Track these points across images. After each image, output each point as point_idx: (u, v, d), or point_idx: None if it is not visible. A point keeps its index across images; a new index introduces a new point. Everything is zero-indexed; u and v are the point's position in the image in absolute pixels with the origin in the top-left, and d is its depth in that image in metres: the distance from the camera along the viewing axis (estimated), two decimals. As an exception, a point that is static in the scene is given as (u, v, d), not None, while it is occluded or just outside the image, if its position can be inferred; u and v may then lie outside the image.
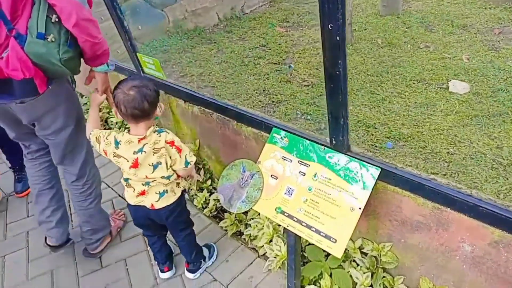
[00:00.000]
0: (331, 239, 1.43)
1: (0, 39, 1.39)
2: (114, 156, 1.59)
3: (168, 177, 1.63)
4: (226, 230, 2.19)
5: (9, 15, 1.37)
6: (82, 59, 1.62)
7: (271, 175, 1.69)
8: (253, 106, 2.95)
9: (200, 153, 2.58)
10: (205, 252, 2.05)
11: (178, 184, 1.74)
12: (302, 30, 4.36)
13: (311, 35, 4.13)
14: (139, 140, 1.53)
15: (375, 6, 4.50)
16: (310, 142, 1.65)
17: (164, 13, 4.32)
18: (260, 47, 3.99)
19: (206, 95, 2.27)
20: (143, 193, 1.66)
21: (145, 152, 1.53)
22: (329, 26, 1.32)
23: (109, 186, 2.69)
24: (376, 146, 2.33)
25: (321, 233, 1.46)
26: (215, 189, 2.47)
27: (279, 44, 3.98)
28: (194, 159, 1.65)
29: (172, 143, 1.58)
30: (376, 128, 2.48)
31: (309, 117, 2.77)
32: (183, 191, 1.79)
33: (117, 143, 1.56)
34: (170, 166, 1.61)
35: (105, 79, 1.76)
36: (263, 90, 3.18)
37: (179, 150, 1.60)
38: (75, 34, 1.43)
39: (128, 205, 1.76)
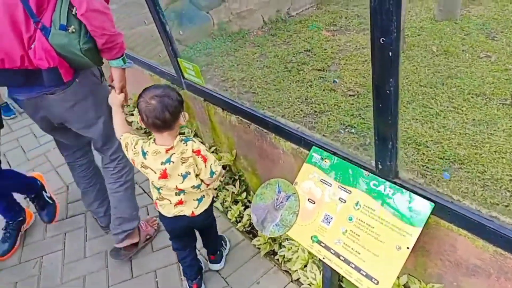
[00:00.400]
0: (373, 280, 1.28)
1: (29, 32, 1.53)
2: (142, 166, 1.56)
3: (198, 186, 1.59)
4: (259, 249, 2.08)
5: (36, 9, 1.51)
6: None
7: (308, 199, 1.56)
8: (294, 116, 2.83)
9: (236, 164, 2.50)
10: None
11: (211, 190, 1.75)
12: (349, 34, 4.16)
13: (359, 40, 3.92)
14: (167, 151, 1.49)
15: (430, 10, 4.20)
16: (353, 165, 1.50)
17: (209, 15, 4.28)
18: (305, 52, 3.85)
19: (245, 104, 2.18)
20: (180, 202, 1.63)
21: (173, 162, 1.49)
22: (381, 40, 1.18)
23: (145, 192, 2.68)
24: (427, 167, 2.13)
25: (362, 271, 1.31)
26: (250, 202, 2.37)
27: (325, 49, 3.81)
28: (219, 168, 1.61)
29: (198, 152, 1.54)
30: (428, 147, 2.27)
31: (353, 130, 2.60)
32: (213, 198, 1.83)
33: (144, 154, 1.53)
34: (197, 175, 1.57)
35: (121, 75, 1.78)
36: (305, 99, 3.04)
37: (205, 160, 1.55)
38: (84, 23, 1.52)
39: (163, 218, 1.73)
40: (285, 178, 1.69)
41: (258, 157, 2.23)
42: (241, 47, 4.21)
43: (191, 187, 1.57)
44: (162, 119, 1.43)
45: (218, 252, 2.02)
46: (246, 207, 2.33)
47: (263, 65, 3.70)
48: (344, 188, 1.47)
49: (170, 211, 1.66)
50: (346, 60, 3.56)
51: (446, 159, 2.16)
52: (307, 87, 3.20)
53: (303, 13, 4.98)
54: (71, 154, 2.17)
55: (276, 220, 1.60)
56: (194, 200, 1.65)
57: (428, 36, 3.67)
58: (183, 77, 2.55)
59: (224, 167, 2.51)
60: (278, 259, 1.99)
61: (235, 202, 2.38)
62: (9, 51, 1.54)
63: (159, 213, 1.73)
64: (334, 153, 1.59)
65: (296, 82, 3.30)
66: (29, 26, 1.52)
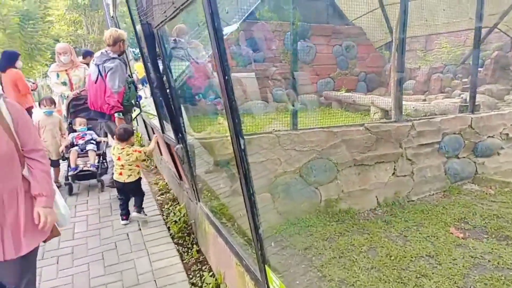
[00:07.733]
0: None
1: (105, 96, 4.15)
2: (112, 153, 3.85)
3: (130, 165, 3.78)
4: None
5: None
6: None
7: None
8: None
9: None
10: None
11: (138, 172, 3.89)
12: (487, 241, 3.34)
13: (501, 255, 3.07)
14: (121, 148, 3.76)
15: None
16: None
17: (317, 191, 3.98)
18: (426, 257, 3.12)
19: None
20: (120, 173, 3.79)
21: (122, 153, 3.75)
22: None
23: None
24: None
25: None
26: None
27: (454, 259, 3.04)
28: (147, 150, 3.94)
29: (136, 151, 3.79)
30: None
31: None
32: (140, 177, 3.95)
33: (113, 149, 3.82)
34: (137, 159, 3.81)
35: (118, 120, 4.15)
36: (425, 338, 2.26)
37: (139, 152, 3.80)
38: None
39: (115, 180, 3.92)
40: None
41: None
42: (347, 231, 3.69)
43: (128, 165, 3.76)
44: (123, 136, 3.73)
45: (139, 208, 3.91)
46: None
47: (371, 264, 3.07)
48: None
49: (116, 177, 3.83)
50: (485, 283, 2.73)
51: None
52: (428, 317, 2.42)
53: (426, 199, 4.37)
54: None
55: None
56: (127, 175, 3.78)
57: None
58: (267, 285, 2.10)
59: None
60: None
61: None
62: (99, 105, 4.17)
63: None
64: None
65: (413, 305, 2.56)
66: (106, 92, 4.05)
